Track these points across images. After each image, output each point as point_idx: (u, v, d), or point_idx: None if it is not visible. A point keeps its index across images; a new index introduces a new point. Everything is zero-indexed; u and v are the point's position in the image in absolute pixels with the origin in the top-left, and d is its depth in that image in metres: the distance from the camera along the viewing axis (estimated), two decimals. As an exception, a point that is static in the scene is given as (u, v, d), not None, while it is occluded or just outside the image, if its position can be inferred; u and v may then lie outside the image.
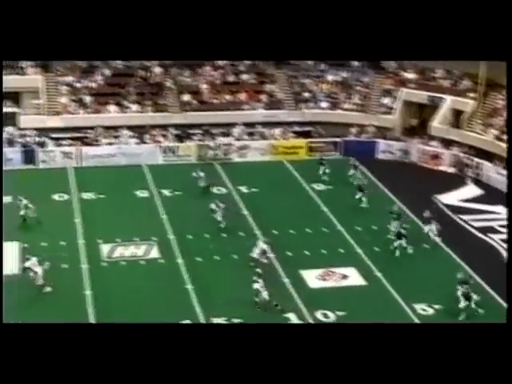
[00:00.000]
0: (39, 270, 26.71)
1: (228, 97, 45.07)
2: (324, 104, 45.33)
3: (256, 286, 26.01)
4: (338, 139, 43.07)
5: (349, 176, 37.91)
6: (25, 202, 32.05)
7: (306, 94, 45.95)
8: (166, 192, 36.47)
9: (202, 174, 36.46)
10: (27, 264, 26.92)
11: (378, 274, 28.97)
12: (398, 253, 30.25)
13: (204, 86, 45.13)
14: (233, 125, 43.13)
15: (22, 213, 31.96)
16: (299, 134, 43.87)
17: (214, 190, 36.77)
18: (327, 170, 38.24)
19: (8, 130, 40.71)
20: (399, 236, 30.42)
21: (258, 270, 26.67)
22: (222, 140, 41.97)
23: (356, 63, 46.85)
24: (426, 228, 31.55)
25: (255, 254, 29.00)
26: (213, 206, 32.28)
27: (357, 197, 35.07)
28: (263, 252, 29.15)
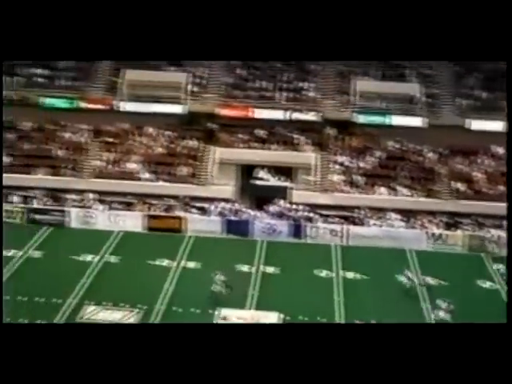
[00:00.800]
0: None
1: (503, 188, 42.96)
2: None
3: None
4: None
5: None
6: (221, 278, 32.01)
7: None
8: (430, 280, 35.13)
9: (410, 275, 34.35)
10: None
11: None
12: None
13: (479, 175, 43.53)
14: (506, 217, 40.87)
15: (215, 288, 31.83)
16: None
17: (484, 284, 34.94)
18: None
19: (280, 203, 41.99)
20: None
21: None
22: (494, 232, 39.88)
23: None
24: None
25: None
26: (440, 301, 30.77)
27: None
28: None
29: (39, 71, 48.18)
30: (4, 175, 42.69)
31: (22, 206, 41.53)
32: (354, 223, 41.03)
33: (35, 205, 41.76)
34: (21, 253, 36.42)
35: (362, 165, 44.65)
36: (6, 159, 44.25)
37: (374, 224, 40.89)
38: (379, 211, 41.64)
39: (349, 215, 41.60)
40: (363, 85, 47.20)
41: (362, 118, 46.16)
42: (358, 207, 41.84)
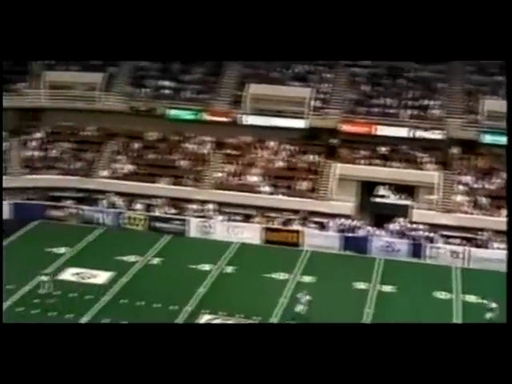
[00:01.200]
0: None
1: None
2: None
3: None
4: None
5: None
6: (307, 298, 31.05)
7: None
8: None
9: (494, 305, 31.38)
10: None
11: None
12: None
13: None
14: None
15: (297, 309, 30.95)
16: None
17: None
18: None
19: (400, 222, 41.17)
20: None
21: None
22: None
23: None
24: None
25: None
26: None
27: None
28: None
29: (166, 83, 49.43)
30: (128, 183, 44.24)
31: (145, 213, 42.61)
32: (477, 245, 39.70)
33: (157, 213, 42.75)
34: (141, 258, 37.32)
35: (487, 186, 43.23)
36: (130, 167, 45.67)
37: (498, 247, 39.37)
38: (504, 234, 40.05)
39: (471, 237, 40.33)
40: (491, 104, 45.74)
41: (488, 138, 44.71)
42: (482, 229, 40.46)
